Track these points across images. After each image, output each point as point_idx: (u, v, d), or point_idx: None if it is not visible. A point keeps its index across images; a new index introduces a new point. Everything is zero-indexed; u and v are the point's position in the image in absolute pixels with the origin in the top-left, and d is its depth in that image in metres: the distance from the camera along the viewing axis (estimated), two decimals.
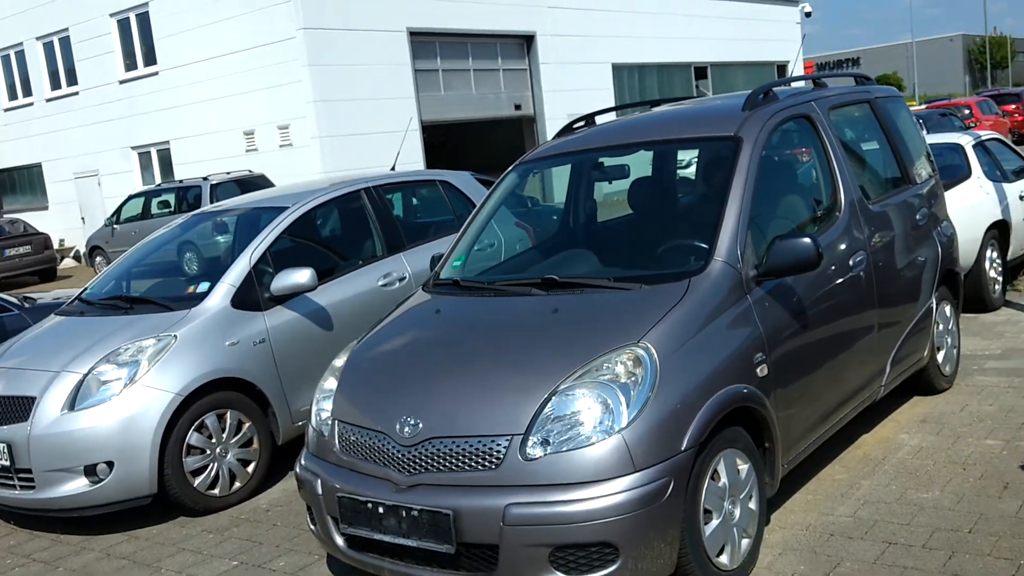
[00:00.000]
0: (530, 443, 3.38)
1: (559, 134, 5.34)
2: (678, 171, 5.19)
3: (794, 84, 5.35)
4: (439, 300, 4.48)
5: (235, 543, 4.79)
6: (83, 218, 24.03)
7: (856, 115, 5.47)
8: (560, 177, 5.54)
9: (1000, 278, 7.81)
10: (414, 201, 7.43)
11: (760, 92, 4.68)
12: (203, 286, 5.62)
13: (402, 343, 4.26)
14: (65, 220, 24.58)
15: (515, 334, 3.89)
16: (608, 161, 5.17)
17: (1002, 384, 5.74)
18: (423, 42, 20.89)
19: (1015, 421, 5.08)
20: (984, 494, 4.23)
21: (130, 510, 5.16)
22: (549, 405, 3.42)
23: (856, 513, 4.20)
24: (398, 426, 3.63)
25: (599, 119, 5.46)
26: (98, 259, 19.65)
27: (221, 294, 5.48)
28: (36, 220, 22.39)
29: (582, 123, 5.40)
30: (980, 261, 7.49)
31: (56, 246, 21.90)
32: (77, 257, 24.23)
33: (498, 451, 3.40)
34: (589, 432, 3.36)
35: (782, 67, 33.04)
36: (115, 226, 19.12)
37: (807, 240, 3.91)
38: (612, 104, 25.15)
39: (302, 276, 5.57)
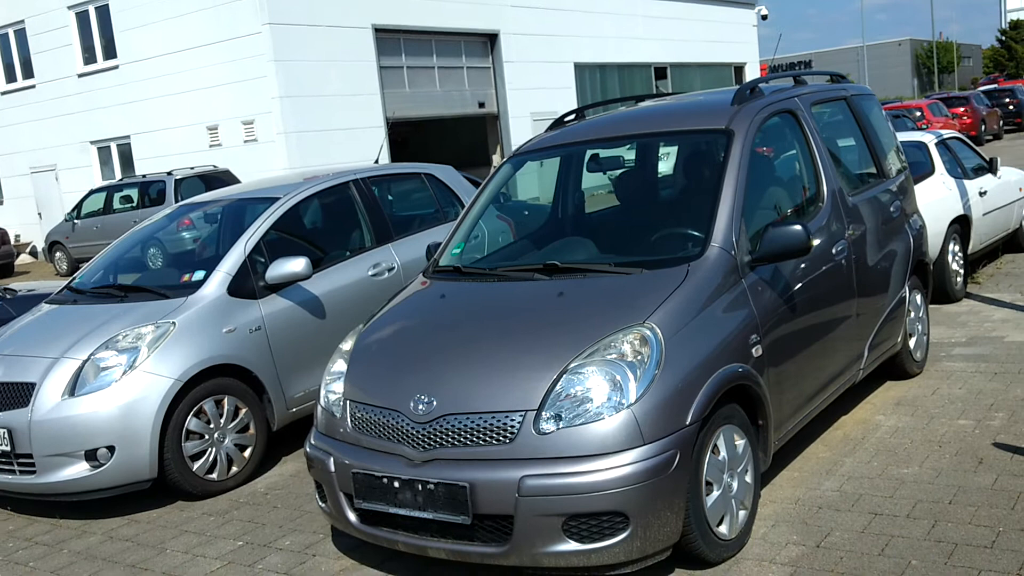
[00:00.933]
0: (543, 418, 3.53)
1: (551, 127, 5.51)
2: (671, 162, 5.38)
3: (774, 82, 5.55)
4: (442, 285, 4.61)
5: (237, 525, 4.88)
6: (39, 213, 23.65)
7: (834, 111, 5.71)
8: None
9: (962, 271, 8.14)
10: (399, 194, 7.53)
11: (747, 88, 4.89)
12: (199, 274, 5.69)
13: (410, 326, 4.39)
14: (20, 215, 24.17)
15: (523, 316, 4.05)
16: (604, 153, 5.34)
17: (969, 369, 6.02)
18: (388, 39, 20.95)
19: (984, 403, 5.36)
20: (960, 469, 4.48)
21: (126, 495, 5.22)
22: (561, 382, 3.58)
23: (841, 488, 4.42)
24: (412, 404, 3.76)
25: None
26: (58, 254, 19.42)
27: (217, 282, 5.55)
28: None
29: (572, 116, 5.57)
30: (943, 254, 7.80)
31: (11, 242, 21.54)
32: (33, 253, 23.85)
33: (512, 426, 3.55)
34: (599, 407, 3.52)
35: (739, 68, 33.66)
36: (76, 221, 18.90)
37: (799, 227, 4.12)
38: (574, 102, 25.43)
39: (297, 265, 5.66)
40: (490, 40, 23.65)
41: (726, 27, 32.54)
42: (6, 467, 5.16)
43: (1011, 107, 34.06)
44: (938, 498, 4.19)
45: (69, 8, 22.11)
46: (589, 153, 5.44)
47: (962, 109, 29.02)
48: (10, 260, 20.37)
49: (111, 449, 4.99)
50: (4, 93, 24.26)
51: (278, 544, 4.55)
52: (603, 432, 3.48)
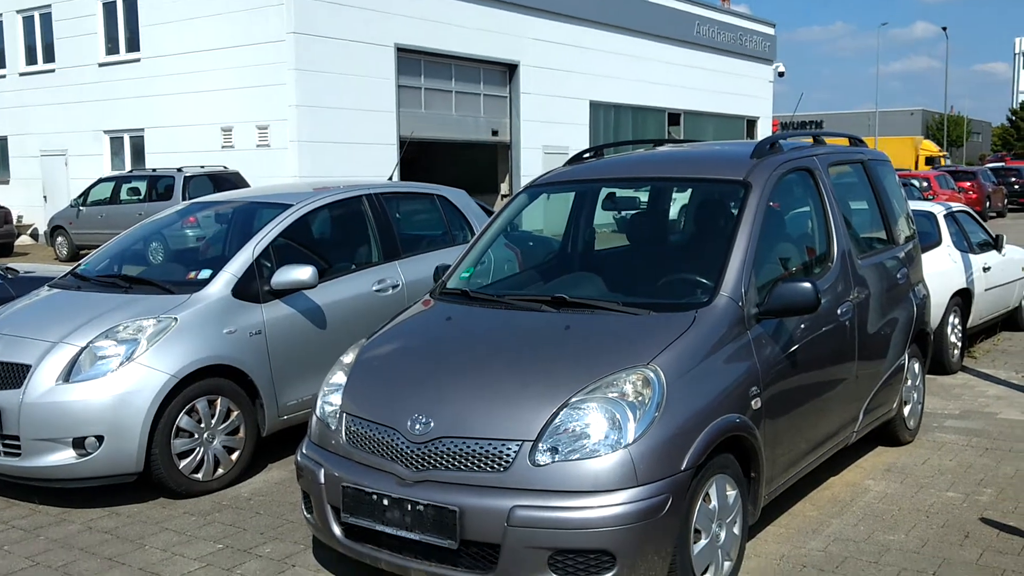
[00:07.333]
0: (540, 450, 3.53)
1: (570, 162, 5.55)
2: (683, 208, 5.42)
3: (793, 139, 5.58)
4: (448, 308, 4.62)
5: (219, 527, 4.84)
6: (45, 196, 23.66)
7: (850, 174, 5.76)
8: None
9: (960, 344, 8.17)
10: (409, 213, 7.56)
11: (767, 143, 4.94)
12: (204, 273, 5.69)
13: (413, 344, 4.39)
14: (26, 196, 24.14)
15: (528, 346, 4.06)
16: (620, 192, 5.38)
17: (961, 442, 6.03)
18: (409, 59, 21.11)
19: (974, 477, 5.36)
20: (946, 541, 4.47)
21: (108, 487, 5.19)
22: (560, 415, 3.58)
23: (827, 548, 4.41)
24: (409, 423, 3.76)
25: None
26: (59, 239, 19.40)
27: (223, 282, 5.56)
28: None
29: (590, 154, 5.62)
30: (943, 326, 7.83)
31: (14, 222, 21.52)
32: (35, 235, 23.83)
33: (508, 455, 3.55)
34: (596, 445, 3.52)
35: (752, 122, 33.94)
36: (81, 208, 18.91)
37: (808, 284, 4.14)
38: (587, 139, 25.60)
39: (303, 273, 5.67)
40: (509, 70, 23.84)
41: (743, 80, 32.84)
42: None
43: (1016, 186, 34.35)
44: (922, 568, 4.18)
45: None
46: (605, 192, 5.48)
47: (968, 184, 29.22)
48: (10, 240, 20.36)
49: (100, 439, 4.97)
50: (23, 75, 24.34)
51: (258, 551, 4.52)
52: (598, 469, 3.48)
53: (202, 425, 5.29)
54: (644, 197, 5.52)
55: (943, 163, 39.81)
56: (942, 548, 4.39)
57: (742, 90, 32.84)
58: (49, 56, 23.74)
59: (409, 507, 3.62)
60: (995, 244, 9.18)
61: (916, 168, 39.62)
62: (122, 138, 22.33)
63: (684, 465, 3.58)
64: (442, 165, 24.32)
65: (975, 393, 7.33)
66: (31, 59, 24.34)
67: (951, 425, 6.43)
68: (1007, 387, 7.51)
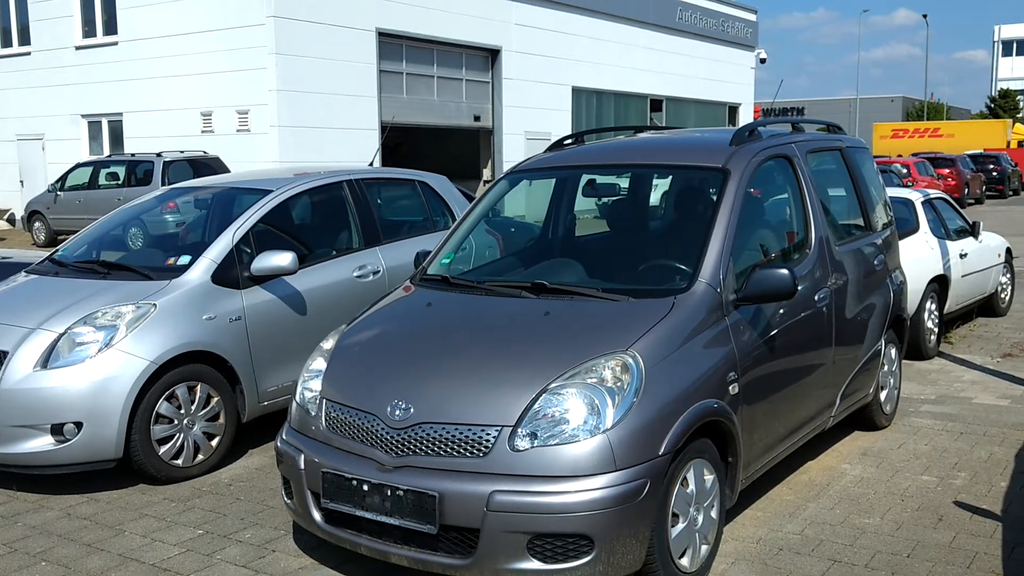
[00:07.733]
0: (519, 435, 3.55)
1: (550, 148, 5.55)
2: (663, 195, 5.44)
3: (772, 126, 5.61)
4: (428, 294, 4.62)
5: (199, 513, 4.84)
6: (22, 181, 23.40)
7: (828, 161, 5.80)
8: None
9: (936, 329, 8.25)
10: (390, 199, 7.54)
11: (746, 130, 4.96)
12: (184, 259, 5.67)
13: (394, 330, 4.40)
14: (2, 181, 23.88)
15: (507, 332, 4.07)
16: (600, 179, 5.39)
17: (936, 427, 6.11)
18: (390, 44, 21.00)
19: (948, 461, 5.43)
20: (920, 524, 4.53)
21: (87, 473, 5.18)
22: (539, 401, 3.60)
23: (803, 532, 4.46)
24: (389, 409, 3.77)
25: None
26: (37, 224, 19.22)
27: (202, 268, 5.54)
28: None
29: (571, 140, 5.62)
30: (920, 312, 7.91)
31: None
32: (11, 220, 23.59)
33: (487, 440, 3.57)
34: (575, 430, 3.54)
35: (733, 108, 34.01)
36: (59, 193, 18.73)
37: (785, 271, 4.18)
38: (569, 124, 25.58)
39: (283, 259, 5.66)
40: (491, 55, 23.76)
41: (725, 67, 32.89)
42: None
43: (995, 173, 34.67)
44: (897, 551, 4.24)
45: None
46: (585, 178, 5.49)
47: (947, 171, 29.47)
48: None
49: (78, 425, 4.95)
50: None
51: (238, 536, 4.53)
52: (577, 454, 3.50)
53: (182, 411, 5.28)
54: (624, 184, 5.54)
55: None
56: (916, 531, 4.45)
57: (724, 76, 32.89)
58: (25, 39, 23.43)
59: (389, 492, 3.64)
60: (972, 231, 9.27)
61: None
62: (100, 122, 22.10)
63: (662, 450, 3.61)
64: (424, 151, 24.25)
65: (951, 378, 7.42)
66: (6, 42, 24.02)
67: (927, 410, 6.51)
68: (982, 372, 7.60)
